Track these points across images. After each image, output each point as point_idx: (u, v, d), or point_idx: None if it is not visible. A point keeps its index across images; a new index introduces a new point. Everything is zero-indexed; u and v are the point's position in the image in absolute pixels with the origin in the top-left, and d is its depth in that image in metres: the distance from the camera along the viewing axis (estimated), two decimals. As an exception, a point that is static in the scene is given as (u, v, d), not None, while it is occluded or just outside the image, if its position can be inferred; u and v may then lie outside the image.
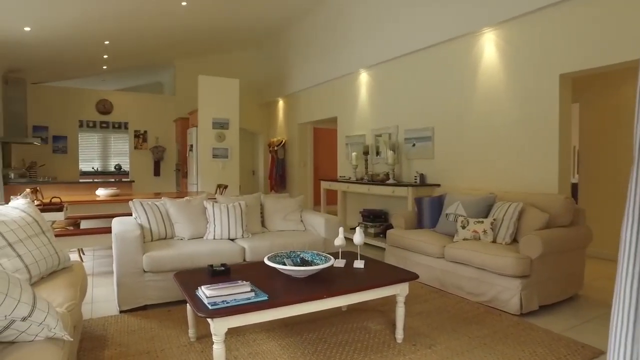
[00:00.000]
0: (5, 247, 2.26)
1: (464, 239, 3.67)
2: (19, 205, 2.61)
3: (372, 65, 6.23)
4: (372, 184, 5.58)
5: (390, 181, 5.43)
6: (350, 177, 6.48)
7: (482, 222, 3.61)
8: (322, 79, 7.48)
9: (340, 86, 7.17)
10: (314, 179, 8.86)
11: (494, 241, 3.53)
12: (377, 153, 6.25)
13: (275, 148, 9.11)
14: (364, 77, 6.58)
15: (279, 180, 9.11)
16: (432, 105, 5.30)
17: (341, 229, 2.99)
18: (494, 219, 3.59)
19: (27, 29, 5.80)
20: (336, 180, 6.41)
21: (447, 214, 4.01)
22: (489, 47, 4.55)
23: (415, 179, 5.35)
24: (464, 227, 3.71)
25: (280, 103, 9.39)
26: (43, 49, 6.79)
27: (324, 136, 9.27)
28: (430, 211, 4.34)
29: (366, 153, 6.24)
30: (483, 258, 3.29)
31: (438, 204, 4.29)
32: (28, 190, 4.24)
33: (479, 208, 3.80)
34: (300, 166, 8.64)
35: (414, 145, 5.57)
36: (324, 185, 6.73)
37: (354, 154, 6.29)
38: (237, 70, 9.26)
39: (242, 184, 11.19)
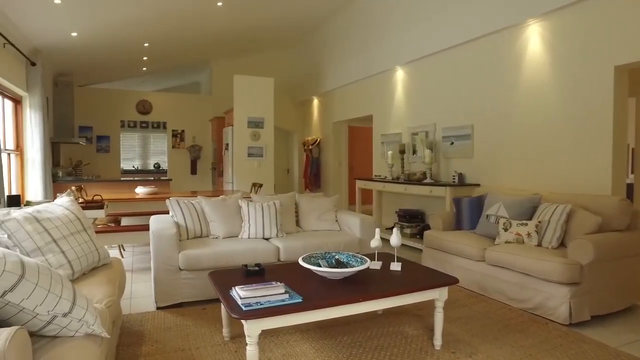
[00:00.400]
0: (50, 243, 2.34)
1: (506, 242, 3.48)
2: (63, 202, 2.70)
3: (409, 62, 6.07)
4: (409, 184, 5.44)
5: (428, 180, 5.27)
6: (386, 177, 6.36)
7: (526, 224, 3.42)
8: (357, 77, 7.38)
9: (375, 84, 7.05)
10: (349, 178, 8.78)
11: (539, 245, 3.33)
12: (414, 152, 6.10)
13: (310, 147, 9.10)
14: (400, 74, 6.44)
15: (313, 179, 9.09)
16: (472, 102, 5.10)
17: (377, 230, 2.91)
18: (539, 221, 3.39)
19: (74, 34, 6.06)
20: (371, 180, 6.31)
21: (487, 215, 3.83)
22: (534, 39, 4.31)
23: (454, 179, 5.17)
24: (506, 229, 3.53)
25: (315, 102, 9.37)
26: (88, 53, 7.08)
27: (359, 135, 9.16)
28: (469, 212, 4.16)
29: (402, 152, 6.10)
30: (527, 262, 3.10)
31: (478, 204, 4.11)
32: (73, 188, 4.41)
33: (522, 209, 3.60)
34: (335, 165, 8.58)
35: (452, 143, 5.38)
36: (359, 184, 6.64)
37: (389, 152, 6.17)
38: (272, 70, 9.31)
39: (276, 182, 11.27)
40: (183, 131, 9.25)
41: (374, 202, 6.93)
